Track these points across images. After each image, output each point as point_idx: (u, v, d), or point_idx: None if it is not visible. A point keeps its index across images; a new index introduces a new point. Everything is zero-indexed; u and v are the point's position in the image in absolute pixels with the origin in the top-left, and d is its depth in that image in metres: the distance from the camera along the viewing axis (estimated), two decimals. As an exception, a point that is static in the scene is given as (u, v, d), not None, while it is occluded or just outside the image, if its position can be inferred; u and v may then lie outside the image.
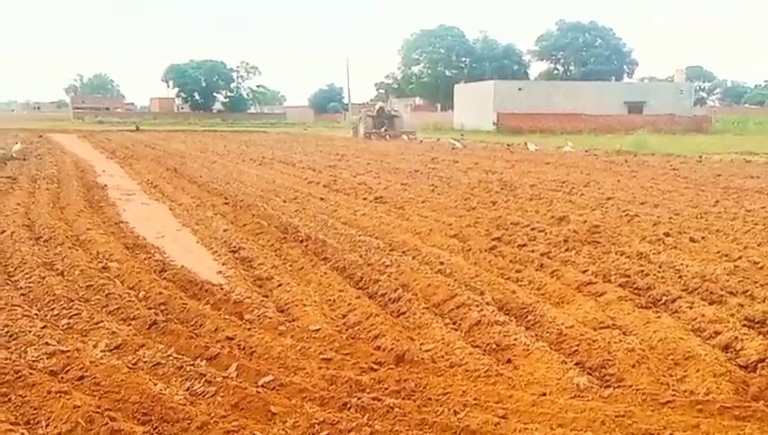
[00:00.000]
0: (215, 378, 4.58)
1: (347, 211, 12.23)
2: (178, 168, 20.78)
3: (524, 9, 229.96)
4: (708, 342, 5.51)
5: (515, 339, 5.49)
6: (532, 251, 8.81)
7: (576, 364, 5.10)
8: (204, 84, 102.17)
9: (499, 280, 7.38)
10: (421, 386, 4.62)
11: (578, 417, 4.13)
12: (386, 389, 4.59)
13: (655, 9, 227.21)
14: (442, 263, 8.13)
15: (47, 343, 5.17)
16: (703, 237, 9.59)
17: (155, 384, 4.51)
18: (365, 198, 14.07)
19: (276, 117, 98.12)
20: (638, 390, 4.57)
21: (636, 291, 6.89)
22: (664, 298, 6.60)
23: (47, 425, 3.97)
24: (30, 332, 5.43)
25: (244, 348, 5.37)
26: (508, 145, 34.51)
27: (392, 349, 5.34)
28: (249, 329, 5.81)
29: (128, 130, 55.86)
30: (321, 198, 14.01)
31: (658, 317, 6.03)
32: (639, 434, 3.97)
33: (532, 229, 10.18)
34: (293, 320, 6.19)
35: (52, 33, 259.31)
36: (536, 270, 7.85)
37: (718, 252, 8.65)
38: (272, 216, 11.46)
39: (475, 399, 4.40)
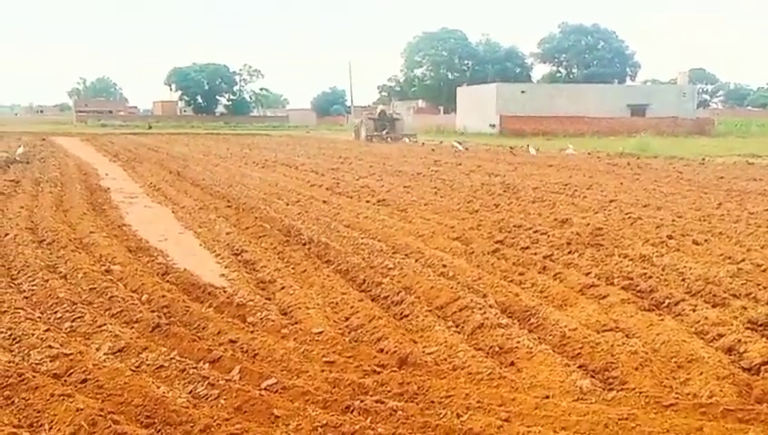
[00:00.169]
0: (218, 381, 4.58)
1: (350, 214, 12.23)
2: (181, 171, 20.80)
3: (527, 12, 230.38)
4: (711, 344, 5.50)
5: (518, 342, 5.49)
6: (535, 254, 8.81)
7: (579, 367, 5.09)
8: (207, 87, 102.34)
9: (502, 283, 7.38)
10: (424, 389, 4.61)
11: (581, 420, 4.12)
12: (389, 392, 4.58)
13: (657, 11, 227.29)
14: (445, 266, 8.12)
15: (50, 346, 5.17)
16: (706, 240, 9.58)
17: (158, 387, 4.51)
18: (368, 201, 14.07)
19: (279, 120, 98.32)
20: (641, 393, 4.56)
21: (639, 294, 6.88)
22: (667, 301, 6.59)
23: (50, 428, 3.97)
24: (33, 335, 5.43)
25: (246, 351, 5.37)
26: (511, 148, 34.49)
27: (395, 352, 5.34)
28: (252, 332, 5.81)
29: (131, 133, 55.96)
30: (324, 201, 14.01)
31: (661, 320, 6.02)
32: (643, 437, 3.96)
33: (535, 232, 10.17)
34: (296, 323, 6.19)
35: (56, 36, 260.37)
36: (539, 273, 7.84)
37: (721, 254, 8.64)
38: (274, 218, 11.46)
39: (477, 402, 4.39)
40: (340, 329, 6.08)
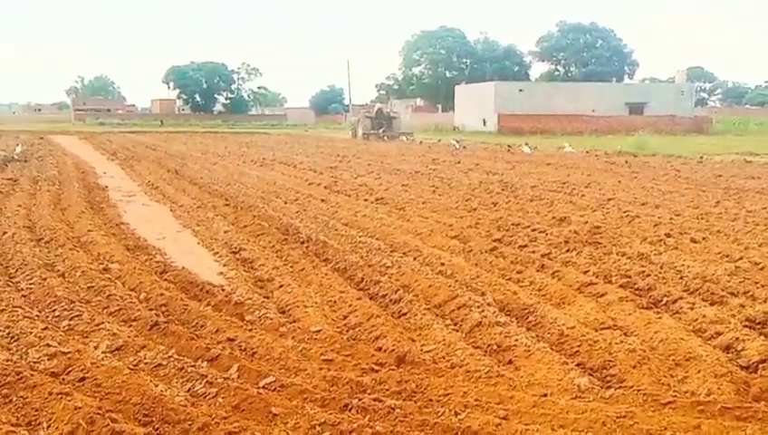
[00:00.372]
0: (216, 379, 4.58)
1: (348, 212, 12.23)
2: (179, 169, 20.80)
3: (525, 10, 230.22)
4: (709, 342, 5.50)
5: (516, 340, 5.49)
6: (533, 252, 8.81)
7: (577, 365, 5.10)
8: (205, 86, 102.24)
9: (500, 281, 7.38)
10: (422, 387, 4.61)
11: (579, 418, 4.13)
12: (387, 390, 4.58)
13: (656, 10, 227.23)
14: (443, 264, 8.13)
15: (48, 345, 5.17)
16: (704, 238, 9.59)
17: (156, 385, 4.51)
18: (366, 200, 14.07)
19: (277, 118, 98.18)
20: (639, 390, 4.57)
21: (637, 292, 6.89)
22: (665, 299, 6.59)
23: (48, 426, 3.97)
24: (31, 333, 5.43)
25: (245, 349, 5.37)
26: (509, 146, 34.51)
27: (393, 350, 5.34)
28: (250, 330, 5.81)
29: (129, 131, 55.92)
30: (322, 200, 14.01)
31: (659, 318, 6.03)
32: (640, 435, 3.97)
33: (533, 230, 10.18)
34: (294, 321, 6.19)
35: (54, 34, 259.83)
36: (537, 271, 7.85)
37: (719, 253, 8.65)
38: (273, 217, 11.46)
39: (476, 400, 4.39)
40: (338, 327, 6.08)
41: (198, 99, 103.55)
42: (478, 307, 6.25)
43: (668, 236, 9.73)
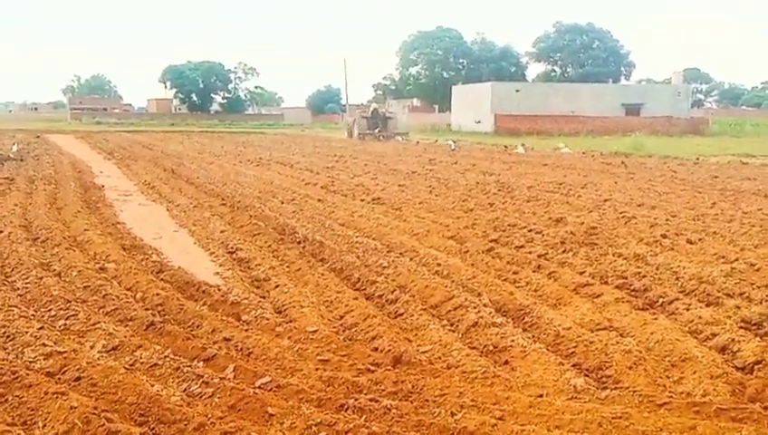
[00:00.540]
0: (212, 379, 4.58)
1: (344, 212, 12.23)
2: (176, 169, 20.77)
3: (522, 11, 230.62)
4: (705, 343, 5.52)
5: (512, 340, 5.49)
6: (530, 253, 8.82)
7: (573, 366, 5.10)
8: (201, 85, 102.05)
9: (496, 281, 7.39)
10: (418, 387, 4.62)
11: (575, 418, 4.13)
12: (383, 390, 4.59)
13: (652, 11, 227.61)
14: (439, 264, 8.13)
15: (44, 344, 5.16)
16: (700, 239, 9.60)
17: (152, 385, 4.50)
18: (362, 200, 14.07)
19: (274, 118, 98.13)
20: (634, 391, 4.58)
21: (633, 293, 6.90)
22: (661, 300, 6.61)
23: (44, 426, 3.96)
24: (27, 332, 5.42)
25: (241, 349, 5.37)
26: (506, 147, 34.54)
27: (389, 350, 5.34)
28: (246, 330, 5.81)
29: (126, 130, 55.81)
30: (319, 200, 14.01)
31: (655, 319, 6.04)
32: (636, 436, 3.97)
33: (530, 231, 10.19)
34: (291, 321, 6.19)
35: (51, 34, 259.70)
36: (533, 272, 7.86)
37: (715, 254, 8.66)
38: (269, 217, 11.46)
39: (472, 400, 4.40)
40: (334, 327, 6.09)
41: (195, 98, 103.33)
42: (474, 308, 6.25)
43: (664, 237, 9.74)
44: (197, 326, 5.89)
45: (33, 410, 4.13)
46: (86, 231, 9.93)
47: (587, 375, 4.96)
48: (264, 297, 6.99)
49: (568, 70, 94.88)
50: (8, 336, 5.40)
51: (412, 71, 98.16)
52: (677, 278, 7.46)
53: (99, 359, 4.97)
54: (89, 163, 23.26)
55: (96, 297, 6.62)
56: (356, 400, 4.32)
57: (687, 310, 6.27)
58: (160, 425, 3.99)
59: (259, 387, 4.55)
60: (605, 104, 60.24)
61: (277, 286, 7.25)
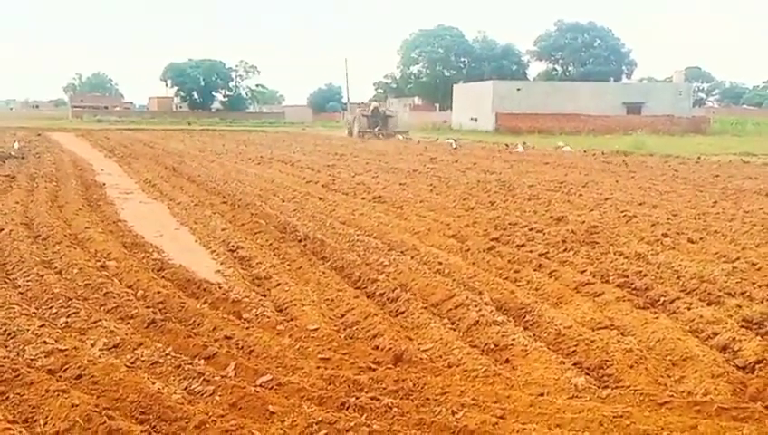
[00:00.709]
0: (213, 377, 4.58)
1: (345, 211, 12.23)
2: (177, 166, 20.77)
3: (523, 9, 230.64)
4: (706, 342, 5.51)
5: (513, 339, 5.49)
6: (531, 251, 8.82)
7: (574, 365, 5.10)
8: (203, 83, 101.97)
9: (497, 280, 7.39)
10: (419, 386, 4.62)
11: (576, 417, 4.13)
12: (384, 388, 4.59)
13: (654, 10, 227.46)
14: (440, 263, 8.13)
15: (45, 342, 5.16)
16: (701, 238, 9.60)
17: (153, 383, 4.50)
18: (363, 198, 14.07)
19: (275, 116, 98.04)
20: (635, 390, 4.58)
21: (634, 291, 6.90)
22: (662, 299, 6.60)
23: (45, 423, 3.97)
24: (28, 330, 5.42)
25: (242, 347, 5.37)
26: (507, 145, 34.55)
27: (390, 349, 5.34)
28: (247, 328, 5.81)
29: (127, 128, 55.80)
30: (320, 198, 14.01)
31: (656, 318, 6.03)
32: (637, 435, 3.97)
33: (531, 229, 10.18)
34: (292, 319, 6.19)
35: (52, 31, 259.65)
36: (534, 270, 7.85)
37: (716, 253, 8.66)
38: (270, 215, 11.45)
39: (473, 399, 4.40)
40: (335, 326, 6.09)
41: (196, 96, 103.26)
42: (475, 306, 6.25)
43: (666, 236, 9.74)
44: (198, 324, 5.90)
45: (34, 407, 4.13)
46: (87, 229, 9.93)
47: (588, 374, 4.96)
48: (264, 295, 6.99)
49: (569, 68, 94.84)
50: (9, 334, 5.40)
51: (413, 69, 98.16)
52: (679, 277, 7.45)
53: (100, 357, 4.96)
54: (90, 161, 23.27)
55: (97, 295, 6.62)
56: (357, 398, 4.32)
57: (689, 309, 6.27)
58: (161, 423, 3.99)
59: (260, 385, 4.55)
60: (606, 103, 60.22)
61: (278, 285, 7.25)
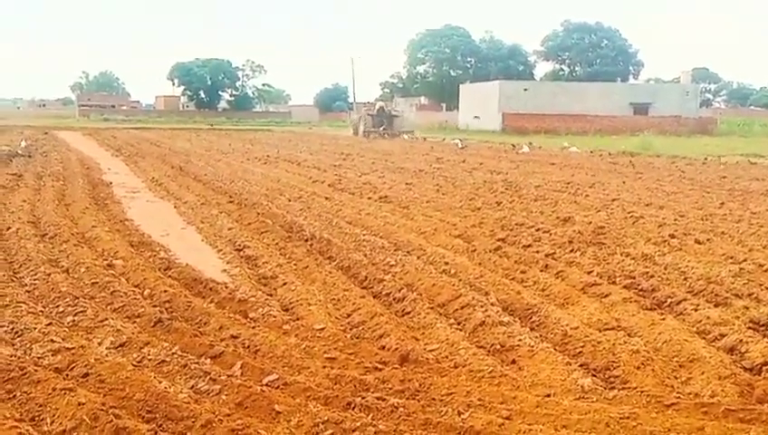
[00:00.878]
0: (219, 376, 4.59)
1: (352, 210, 12.23)
2: (183, 166, 20.80)
3: (530, 10, 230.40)
4: (713, 344, 5.50)
5: (520, 340, 5.49)
6: (537, 252, 8.81)
7: (581, 366, 5.09)
8: (209, 83, 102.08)
9: (504, 281, 7.38)
10: (425, 386, 4.62)
11: (582, 418, 4.12)
12: (390, 388, 4.59)
13: (661, 10, 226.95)
14: (447, 263, 8.12)
15: (52, 340, 5.17)
16: (708, 239, 9.57)
17: (159, 382, 4.51)
18: (370, 198, 14.07)
19: (281, 116, 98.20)
20: (642, 392, 4.57)
21: (641, 292, 6.88)
22: (669, 300, 6.59)
23: (52, 422, 3.97)
24: (35, 329, 5.43)
25: (248, 346, 5.37)
26: (513, 145, 34.52)
27: (397, 349, 5.34)
28: (254, 327, 5.81)
29: (133, 127, 55.91)
30: (326, 198, 14.01)
31: (663, 319, 6.02)
32: (644, 436, 3.96)
33: (537, 230, 10.17)
34: (298, 319, 6.19)
35: (59, 30, 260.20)
36: (541, 271, 7.84)
37: (723, 254, 8.63)
38: (276, 214, 11.47)
39: (479, 399, 4.39)
40: (341, 325, 6.09)
41: (203, 95, 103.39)
42: (482, 307, 6.25)
43: (673, 237, 9.72)
44: (205, 323, 5.90)
45: (40, 406, 4.14)
46: (94, 228, 9.96)
47: (594, 375, 4.95)
48: (271, 295, 6.99)
49: (576, 69, 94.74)
50: (16, 332, 5.41)
51: (420, 69, 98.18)
52: (686, 278, 7.43)
53: (106, 355, 4.97)
54: (97, 160, 23.33)
55: (104, 294, 6.64)
56: (363, 398, 4.32)
57: (696, 310, 6.25)
58: (168, 422, 4.00)
59: (266, 384, 4.55)
60: (613, 103, 60.11)
61: (284, 284, 7.26)
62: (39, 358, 4.91)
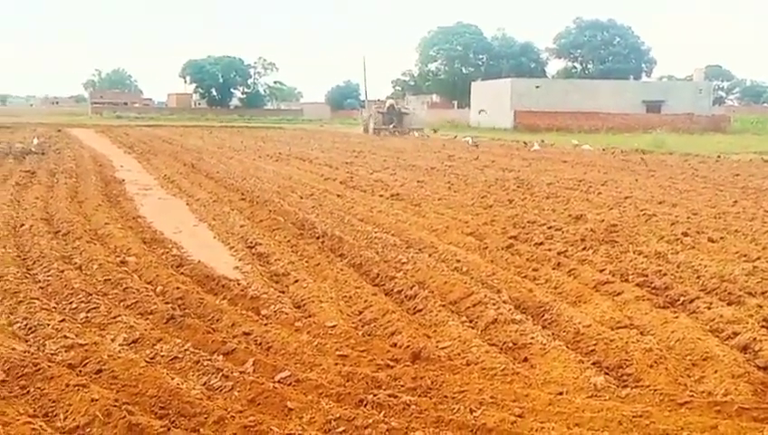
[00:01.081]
0: (231, 373, 4.60)
1: (363, 208, 12.24)
2: (195, 163, 20.86)
3: (542, 7, 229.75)
4: (726, 342, 5.47)
5: (532, 338, 5.48)
6: (549, 250, 8.78)
7: (593, 364, 5.08)
8: (221, 80, 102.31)
9: (516, 278, 7.36)
10: (437, 384, 4.61)
11: (595, 416, 4.11)
12: (402, 386, 4.59)
13: (674, 8, 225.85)
14: (459, 261, 8.11)
15: (65, 337, 5.20)
16: (721, 237, 9.52)
17: (172, 378, 4.53)
18: (381, 195, 14.07)
19: (293, 113, 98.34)
20: (655, 390, 4.55)
21: (653, 291, 6.85)
22: (682, 298, 6.56)
23: (65, 418, 4.00)
24: (48, 325, 5.47)
25: (260, 343, 5.39)
26: (525, 143, 34.45)
27: (408, 346, 5.34)
28: (266, 324, 5.83)
29: (146, 125, 56.09)
30: (338, 195, 14.02)
31: (676, 317, 5.99)
32: (657, 435, 3.95)
33: (549, 228, 10.14)
34: (310, 316, 6.20)
35: (72, 28, 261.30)
36: (553, 269, 7.82)
37: (737, 252, 8.59)
38: (288, 212, 11.48)
39: (491, 397, 4.39)
40: (353, 323, 6.09)
41: (215, 93, 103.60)
42: (494, 304, 6.24)
43: (685, 235, 9.67)
44: (217, 320, 5.92)
45: (54, 401, 4.16)
46: (107, 225, 10.00)
47: (607, 373, 4.94)
48: (283, 292, 7.00)
49: (588, 66, 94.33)
50: (30, 328, 5.45)
51: (431, 66, 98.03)
52: (699, 277, 7.40)
53: (119, 352, 5.00)
54: (109, 157, 23.43)
55: (117, 290, 6.67)
56: (375, 395, 4.32)
57: (709, 308, 6.22)
58: (180, 418, 4.01)
59: (278, 381, 4.56)
60: (626, 101, 59.87)
61: (296, 281, 7.27)
62: (52, 354, 4.94)
